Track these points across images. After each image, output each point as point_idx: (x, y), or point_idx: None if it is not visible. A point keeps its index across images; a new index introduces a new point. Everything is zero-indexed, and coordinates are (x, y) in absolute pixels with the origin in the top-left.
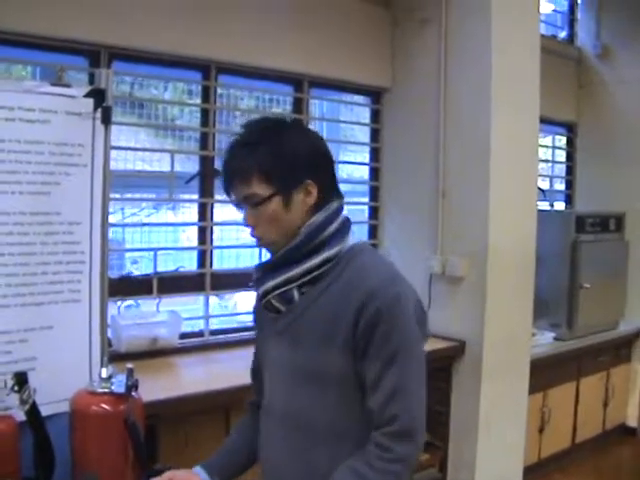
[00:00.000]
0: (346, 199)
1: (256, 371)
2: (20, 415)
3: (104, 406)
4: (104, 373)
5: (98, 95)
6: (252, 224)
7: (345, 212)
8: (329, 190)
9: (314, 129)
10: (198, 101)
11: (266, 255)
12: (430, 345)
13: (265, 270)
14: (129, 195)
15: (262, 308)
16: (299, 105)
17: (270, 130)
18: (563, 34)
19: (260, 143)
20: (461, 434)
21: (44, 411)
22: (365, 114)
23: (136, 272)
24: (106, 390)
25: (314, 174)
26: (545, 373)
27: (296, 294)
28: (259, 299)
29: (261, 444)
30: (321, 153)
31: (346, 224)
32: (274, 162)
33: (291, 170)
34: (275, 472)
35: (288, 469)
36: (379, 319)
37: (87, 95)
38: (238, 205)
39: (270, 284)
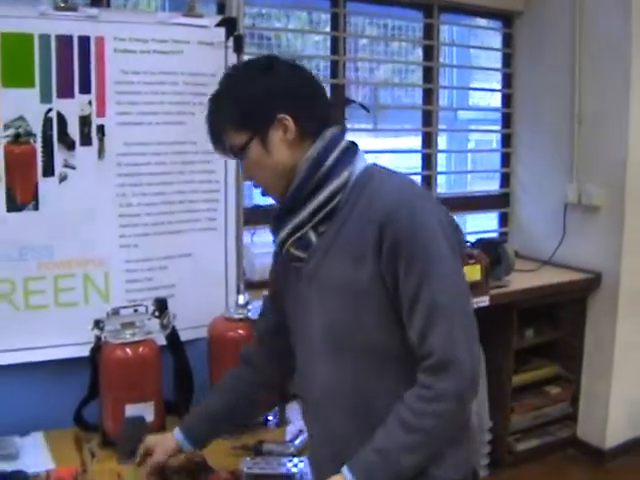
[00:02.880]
0: (475, 127)
1: (266, 318)
2: (161, 339)
3: (241, 332)
4: (241, 300)
5: (230, 24)
6: (247, 176)
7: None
8: (314, 120)
9: (292, 60)
10: (325, 30)
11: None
12: (564, 276)
13: (276, 219)
14: None
15: (285, 260)
16: (429, 31)
17: (232, 77)
18: None
19: (223, 93)
20: (595, 369)
21: (183, 336)
22: (492, 40)
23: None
24: (242, 316)
25: (287, 107)
26: None
27: (313, 236)
28: (279, 250)
29: (302, 374)
30: (290, 85)
31: (350, 150)
32: (239, 108)
33: (256, 110)
34: (322, 398)
35: (337, 395)
36: (400, 239)
37: (218, 25)
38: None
39: (283, 233)
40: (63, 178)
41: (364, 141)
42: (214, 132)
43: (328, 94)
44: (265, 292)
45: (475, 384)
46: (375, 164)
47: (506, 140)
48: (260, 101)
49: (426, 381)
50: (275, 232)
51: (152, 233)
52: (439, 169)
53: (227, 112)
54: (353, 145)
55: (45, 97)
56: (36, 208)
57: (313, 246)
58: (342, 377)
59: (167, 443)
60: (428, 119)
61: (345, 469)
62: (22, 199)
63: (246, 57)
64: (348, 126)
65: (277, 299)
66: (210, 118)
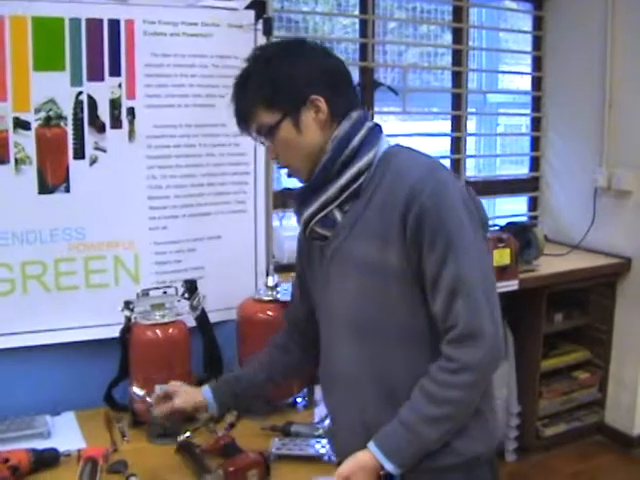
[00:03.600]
0: (505, 110)
1: (296, 305)
2: (190, 321)
3: (270, 313)
4: (270, 282)
5: (258, 7)
6: (274, 157)
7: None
8: (343, 102)
9: (317, 43)
10: (354, 13)
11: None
12: (593, 261)
13: (301, 198)
14: None
15: (309, 239)
16: (458, 14)
17: (260, 58)
18: None
19: (252, 75)
20: (624, 354)
21: (212, 318)
22: (521, 23)
23: None
24: (272, 298)
25: (318, 88)
26: None
27: (338, 215)
28: (302, 230)
29: (326, 354)
30: (322, 67)
31: (374, 130)
32: (270, 88)
33: (290, 90)
34: (347, 379)
35: (361, 376)
36: (424, 215)
37: (248, 7)
38: (262, 142)
39: (309, 211)
40: (94, 160)
41: (393, 124)
42: (242, 112)
43: (356, 77)
44: (294, 276)
45: (499, 354)
46: (398, 144)
47: (536, 124)
48: (294, 81)
49: (450, 353)
50: (299, 212)
51: (181, 215)
52: (468, 152)
53: (259, 92)
54: (377, 126)
55: (76, 80)
56: (67, 190)
57: (338, 224)
58: (367, 359)
59: (193, 395)
60: (457, 102)
61: (371, 444)
62: (53, 181)
63: (275, 40)
64: (377, 109)
65: (304, 284)
66: (239, 97)
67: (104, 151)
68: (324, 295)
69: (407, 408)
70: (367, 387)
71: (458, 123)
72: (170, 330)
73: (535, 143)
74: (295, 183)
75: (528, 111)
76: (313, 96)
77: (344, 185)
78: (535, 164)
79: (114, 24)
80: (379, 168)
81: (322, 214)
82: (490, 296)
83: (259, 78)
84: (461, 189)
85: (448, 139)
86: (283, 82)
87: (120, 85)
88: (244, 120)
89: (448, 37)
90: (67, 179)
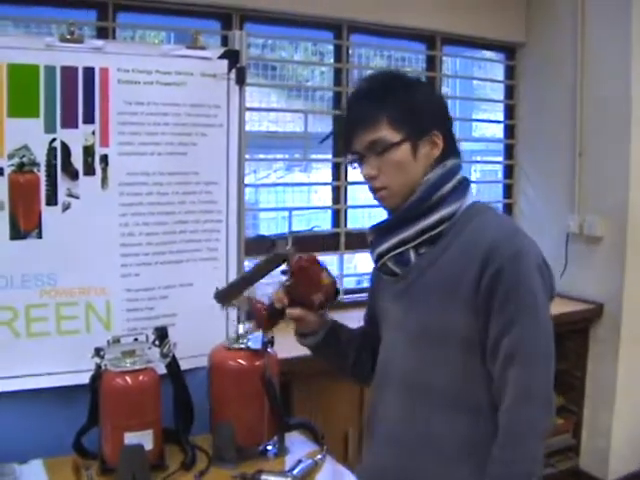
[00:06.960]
0: (479, 158)
1: (367, 331)
2: (161, 368)
3: (241, 361)
4: (241, 329)
5: (232, 56)
6: (375, 174)
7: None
8: (450, 146)
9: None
10: (329, 62)
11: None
12: (566, 307)
13: (380, 232)
14: (262, 156)
15: (379, 271)
16: (432, 63)
17: (397, 80)
18: None
19: (389, 91)
20: (597, 400)
21: (183, 365)
22: (497, 71)
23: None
24: (243, 346)
25: (440, 126)
26: None
27: (413, 255)
28: (375, 262)
29: (376, 407)
30: (446, 108)
31: (463, 183)
32: (403, 109)
33: (420, 119)
34: (391, 437)
35: (405, 435)
36: (500, 276)
37: (221, 57)
38: (358, 158)
39: (384, 246)
40: (66, 207)
41: None
42: (363, 124)
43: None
44: None
45: (551, 415)
46: (480, 201)
47: (508, 171)
48: (426, 113)
49: (509, 416)
50: (374, 245)
51: (153, 262)
52: None
53: (393, 108)
54: (466, 180)
55: (49, 127)
56: (39, 236)
57: (411, 265)
58: (411, 415)
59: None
60: None
61: None
62: (25, 227)
63: (249, 88)
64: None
65: (373, 314)
66: (363, 110)
67: (77, 198)
68: (385, 327)
69: None
70: (413, 442)
71: None
72: (140, 377)
73: (508, 190)
74: (272, 230)
75: (501, 158)
76: (435, 131)
77: (425, 228)
78: (508, 210)
79: (89, 72)
80: (461, 221)
81: (398, 251)
82: (549, 365)
83: (397, 96)
84: (539, 256)
85: None
86: (418, 109)
87: (94, 132)
88: (358, 132)
89: None
90: (39, 225)
